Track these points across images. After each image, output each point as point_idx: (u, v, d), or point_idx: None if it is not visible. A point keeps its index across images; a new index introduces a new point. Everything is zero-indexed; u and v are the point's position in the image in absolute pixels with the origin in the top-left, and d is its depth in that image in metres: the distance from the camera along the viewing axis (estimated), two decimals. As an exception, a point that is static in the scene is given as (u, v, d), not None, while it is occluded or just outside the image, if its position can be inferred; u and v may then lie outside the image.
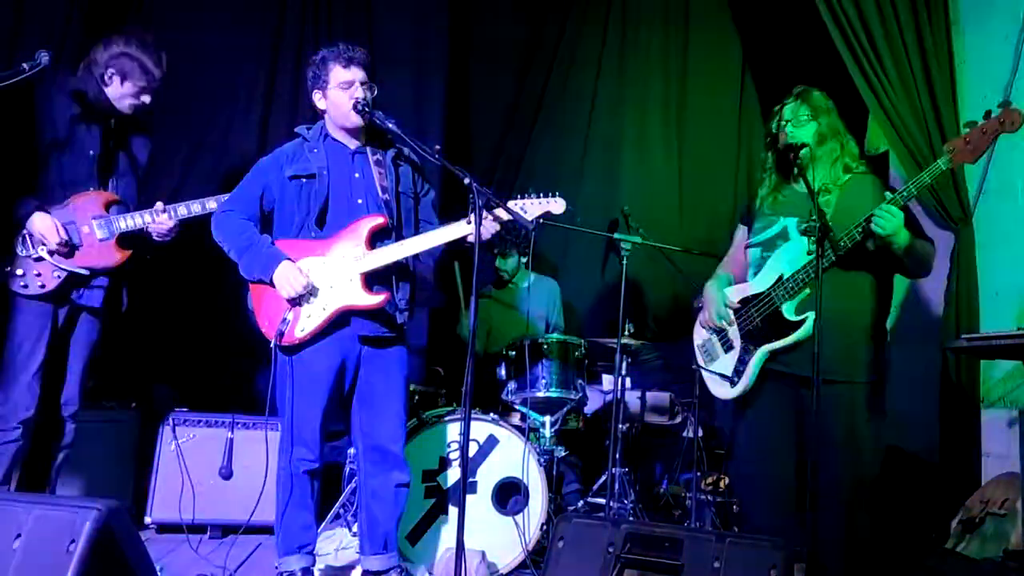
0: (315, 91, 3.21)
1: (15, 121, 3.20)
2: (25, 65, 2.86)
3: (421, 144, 3.04)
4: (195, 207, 3.39)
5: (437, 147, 3.05)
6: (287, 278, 3.02)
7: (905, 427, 4.29)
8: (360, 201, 3.17)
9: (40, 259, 3.16)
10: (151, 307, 3.94)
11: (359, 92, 3.12)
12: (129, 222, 3.31)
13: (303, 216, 3.13)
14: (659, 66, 5.62)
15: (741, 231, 3.36)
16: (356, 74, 3.13)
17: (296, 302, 3.05)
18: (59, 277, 3.18)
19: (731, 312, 3.18)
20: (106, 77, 3.31)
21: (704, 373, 3.28)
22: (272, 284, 3.05)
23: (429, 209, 3.39)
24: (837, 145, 3.08)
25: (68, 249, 3.19)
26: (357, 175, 3.20)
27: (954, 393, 3.95)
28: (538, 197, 3.21)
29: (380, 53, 5.11)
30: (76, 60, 3.40)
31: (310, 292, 3.05)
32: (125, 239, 3.32)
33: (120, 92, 3.33)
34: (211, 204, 3.37)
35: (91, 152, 3.30)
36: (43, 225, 3.14)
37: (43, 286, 3.17)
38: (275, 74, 5.02)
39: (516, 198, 3.21)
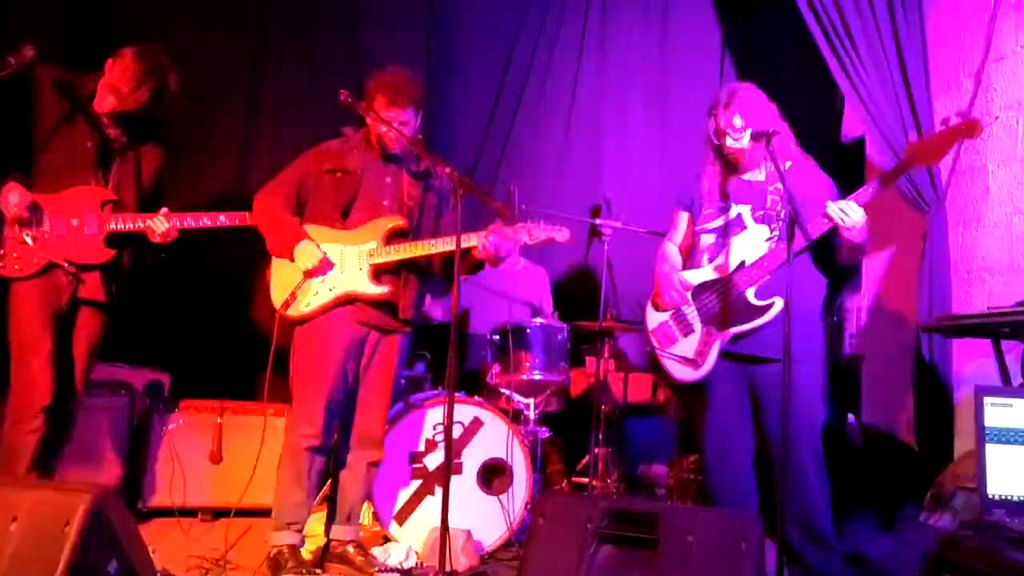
0: (363, 102, 3.28)
1: (6, 111, 3.21)
2: (12, 59, 2.89)
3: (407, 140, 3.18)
4: (189, 219, 3.37)
5: (419, 136, 3.14)
6: (305, 252, 3.23)
7: (880, 405, 4.39)
8: (386, 203, 3.36)
9: (24, 243, 3.18)
10: (141, 294, 3.97)
11: (392, 133, 3.24)
12: (120, 222, 3.31)
13: (331, 207, 3.32)
14: (639, 50, 5.66)
15: (682, 217, 3.43)
16: (397, 115, 3.23)
17: (310, 275, 3.24)
18: (38, 264, 3.18)
19: (688, 293, 3.25)
20: (105, 67, 3.33)
21: (661, 356, 3.35)
22: (291, 259, 3.25)
23: (450, 225, 3.47)
24: (776, 136, 3.14)
25: (28, 222, 3.16)
26: (388, 180, 3.38)
27: (927, 371, 4.05)
28: (546, 224, 3.33)
29: (363, 40, 5.18)
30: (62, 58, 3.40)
31: (322, 270, 3.24)
32: (114, 238, 3.32)
33: (104, 82, 3.33)
34: (205, 219, 3.39)
35: (88, 144, 3.31)
36: (9, 194, 3.12)
37: (19, 268, 3.16)
38: (257, 89, 5.12)
39: (526, 221, 3.33)
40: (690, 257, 3.37)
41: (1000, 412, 2.54)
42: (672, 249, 3.46)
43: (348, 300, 3.28)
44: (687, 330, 3.25)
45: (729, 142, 3.14)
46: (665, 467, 4.99)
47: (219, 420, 4.22)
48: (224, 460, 4.18)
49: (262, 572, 3.21)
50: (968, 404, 3.94)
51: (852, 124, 4.84)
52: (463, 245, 3.21)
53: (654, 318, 3.39)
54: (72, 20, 4.40)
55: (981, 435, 2.55)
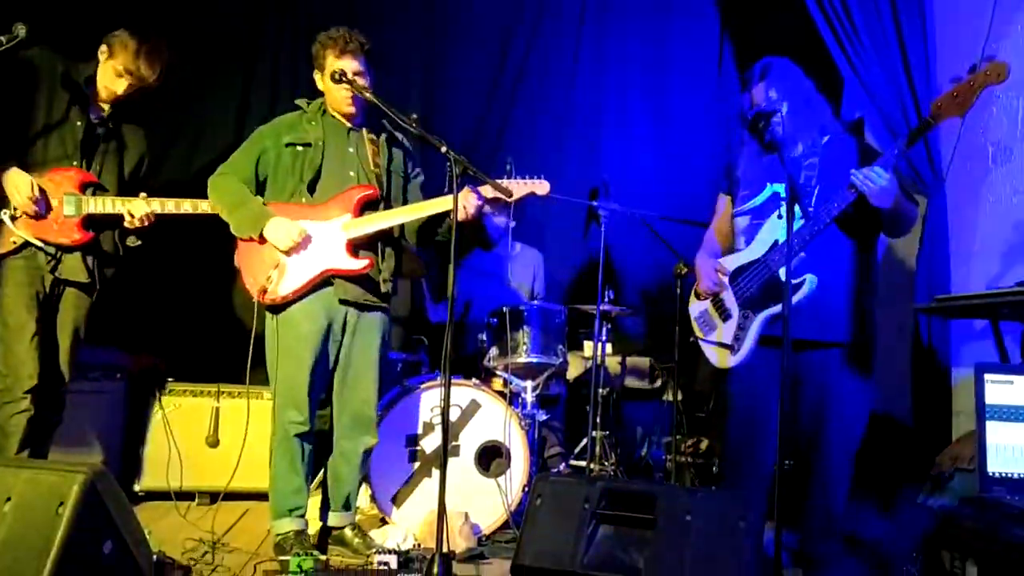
0: (315, 71, 3.30)
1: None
2: (2, 38, 2.86)
3: (399, 114, 3.06)
4: (169, 205, 3.35)
5: (415, 116, 3.08)
6: (281, 230, 3.12)
7: (879, 387, 4.37)
8: (352, 174, 3.29)
9: (1, 222, 3.15)
10: (136, 277, 3.96)
11: (350, 91, 3.19)
12: (98, 205, 3.28)
13: (296, 183, 3.23)
14: (638, 33, 5.62)
15: (723, 201, 3.38)
16: (349, 64, 3.19)
17: (288, 254, 3.14)
18: (14, 243, 3.17)
19: (725, 278, 3.20)
20: (99, 52, 3.31)
21: (702, 344, 3.31)
22: (262, 240, 3.15)
23: (418, 192, 3.50)
24: (811, 110, 3.09)
25: (35, 212, 3.15)
26: (351, 150, 3.31)
27: (926, 353, 4.03)
28: (524, 178, 3.33)
29: (362, 22, 5.13)
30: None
31: (300, 247, 3.15)
32: (91, 221, 3.29)
33: (103, 68, 3.31)
34: (186, 206, 3.36)
35: (78, 123, 3.29)
36: (17, 180, 3.11)
37: None
38: (252, 68, 5.09)
39: (503, 179, 3.32)
40: (730, 241, 3.31)
41: (1000, 389, 2.54)
42: (712, 236, 3.41)
43: (326, 278, 3.20)
44: (726, 315, 3.19)
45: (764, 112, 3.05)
46: (663, 451, 5.00)
47: (216, 404, 4.23)
48: (221, 444, 4.18)
49: (260, 554, 3.21)
50: (966, 386, 3.93)
51: (851, 106, 4.80)
52: (439, 209, 3.22)
53: (696, 307, 3.35)
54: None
55: (981, 412, 2.54)
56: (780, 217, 3.02)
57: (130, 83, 3.29)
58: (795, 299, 3.00)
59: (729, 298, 3.18)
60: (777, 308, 3.03)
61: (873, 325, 3.06)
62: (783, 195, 3.08)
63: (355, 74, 3.19)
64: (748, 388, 3.17)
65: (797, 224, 2.98)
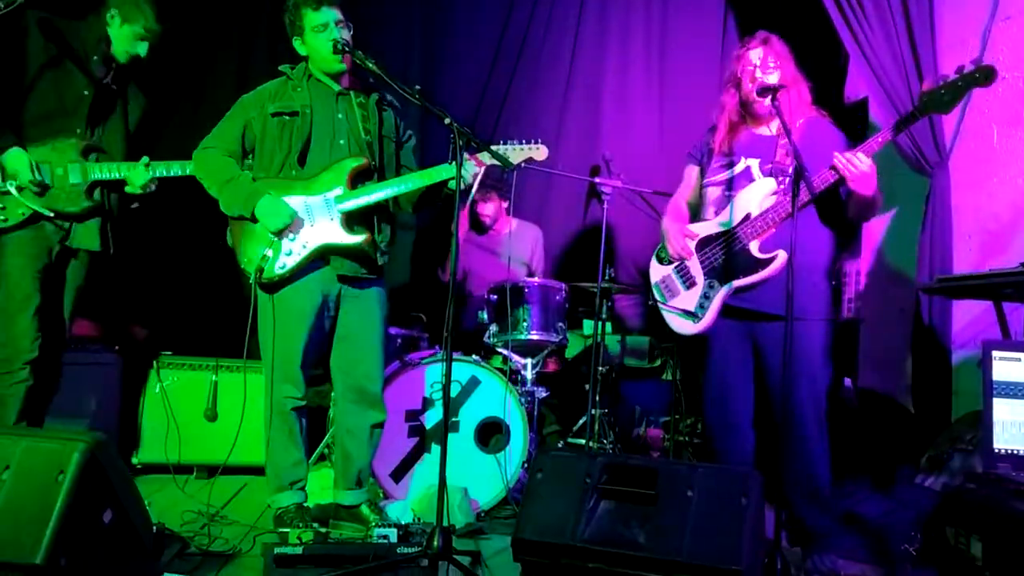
0: (293, 37, 3.21)
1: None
2: (0, 2, 2.83)
3: (402, 85, 2.99)
4: (175, 167, 3.35)
5: (417, 87, 3.01)
6: (272, 210, 3.04)
7: (879, 368, 4.38)
8: (342, 142, 3.19)
9: (6, 193, 3.12)
10: (135, 249, 3.93)
11: (335, 33, 3.11)
12: (103, 171, 3.27)
13: (284, 154, 3.14)
14: (641, 6, 5.57)
15: (693, 170, 3.41)
16: (329, 15, 3.12)
17: (279, 235, 3.07)
18: (23, 215, 3.15)
19: (693, 244, 3.23)
20: (108, 16, 3.29)
21: (663, 309, 3.33)
22: (253, 219, 3.07)
23: (410, 155, 3.43)
24: (795, 91, 3.14)
25: (39, 189, 3.15)
26: (340, 116, 3.21)
27: (926, 334, 4.02)
28: (520, 143, 3.27)
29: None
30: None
31: (292, 228, 3.08)
32: (97, 188, 3.29)
33: (120, 33, 3.30)
34: (184, 167, 3.34)
35: (85, 93, 3.27)
36: (18, 162, 3.11)
37: (5, 220, 3.13)
38: (250, 40, 5.03)
39: (499, 143, 3.27)
40: (698, 211, 3.33)
41: (1008, 366, 2.54)
42: (681, 203, 3.43)
43: (323, 254, 3.13)
44: (690, 283, 3.24)
45: (758, 74, 3.11)
46: (661, 430, 5.00)
47: (215, 378, 4.20)
48: (219, 418, 4.17)
49: (258, 527, 3.20)
50: (966, 366, 3.93)
51: (855, 86, 4.77)
52: (437, 179, 3.17)
53: (658, 271, 3.38)
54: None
55: (988, 389, 2.54)
56: (783, 190, 3.03)
57: (151, 44, 3.33)
58: (766, 273, 3.05)
59: (695, 266, 3.22)
60: (744, 280, 3.09)
61: (835, 303, 3.11)
62: (756, 169, 3.13)
63: (337, 24, 3.11)
64: (717, 359, 3.23)
65: (770, 200, 3.06)
